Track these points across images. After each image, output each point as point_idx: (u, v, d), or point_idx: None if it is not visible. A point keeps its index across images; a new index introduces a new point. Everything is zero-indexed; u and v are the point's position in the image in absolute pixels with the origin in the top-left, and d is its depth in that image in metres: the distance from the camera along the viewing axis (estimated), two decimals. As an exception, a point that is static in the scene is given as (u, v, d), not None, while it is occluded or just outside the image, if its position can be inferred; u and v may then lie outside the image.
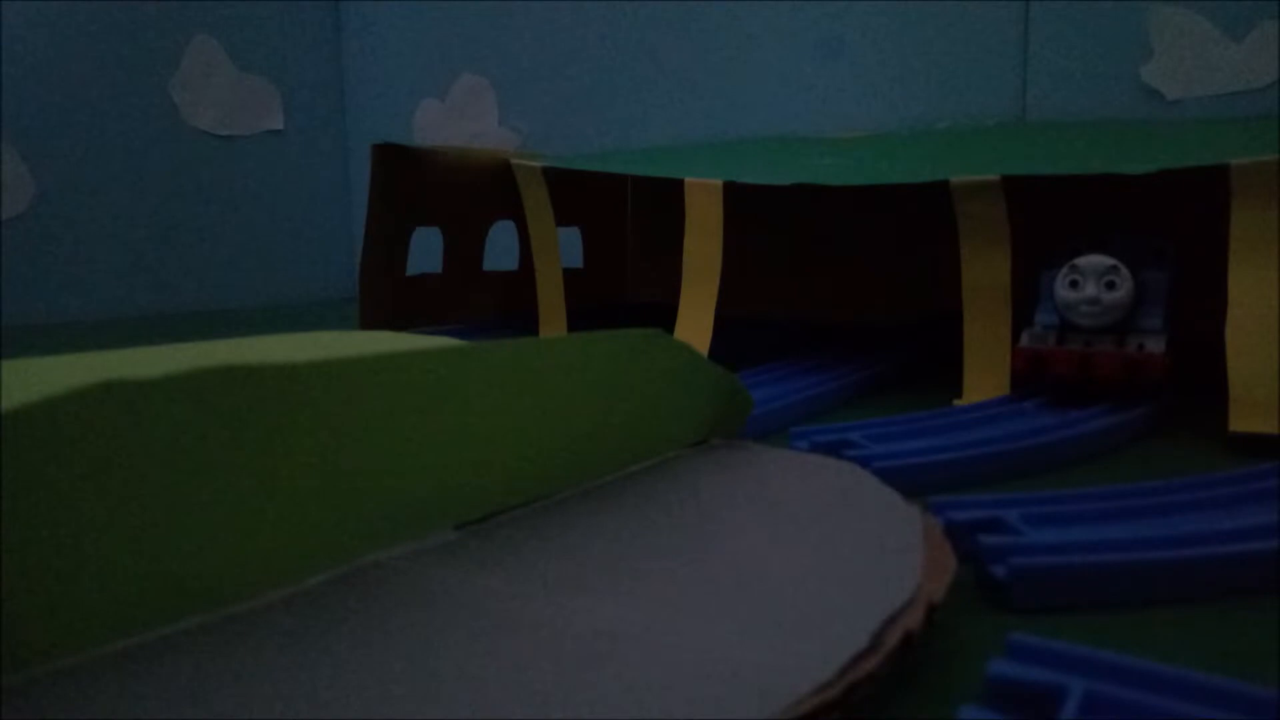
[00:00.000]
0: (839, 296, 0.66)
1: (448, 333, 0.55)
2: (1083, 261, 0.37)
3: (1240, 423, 0.34)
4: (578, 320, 0.56)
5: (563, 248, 0.57)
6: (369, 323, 0.59)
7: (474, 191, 0.63)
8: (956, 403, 0.40)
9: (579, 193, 0.62)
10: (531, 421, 0.21)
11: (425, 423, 0.19)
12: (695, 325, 0.47)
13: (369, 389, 0.17)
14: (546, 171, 0.55)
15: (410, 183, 0.59)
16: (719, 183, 0.48)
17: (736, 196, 0.48)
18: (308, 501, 0.17)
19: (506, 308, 0.69)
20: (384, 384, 0.18)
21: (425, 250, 0.65)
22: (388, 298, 0.60)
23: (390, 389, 0.18)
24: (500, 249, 0.70)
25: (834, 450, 0.32)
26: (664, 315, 0.49)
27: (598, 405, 0.24)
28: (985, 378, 0.41)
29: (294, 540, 0.17)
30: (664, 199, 0.52)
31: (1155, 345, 0.37)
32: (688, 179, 0.48)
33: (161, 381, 0.14)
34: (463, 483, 0.21)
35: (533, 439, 0.22)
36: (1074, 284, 0.37)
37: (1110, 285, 0.37)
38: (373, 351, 0.17)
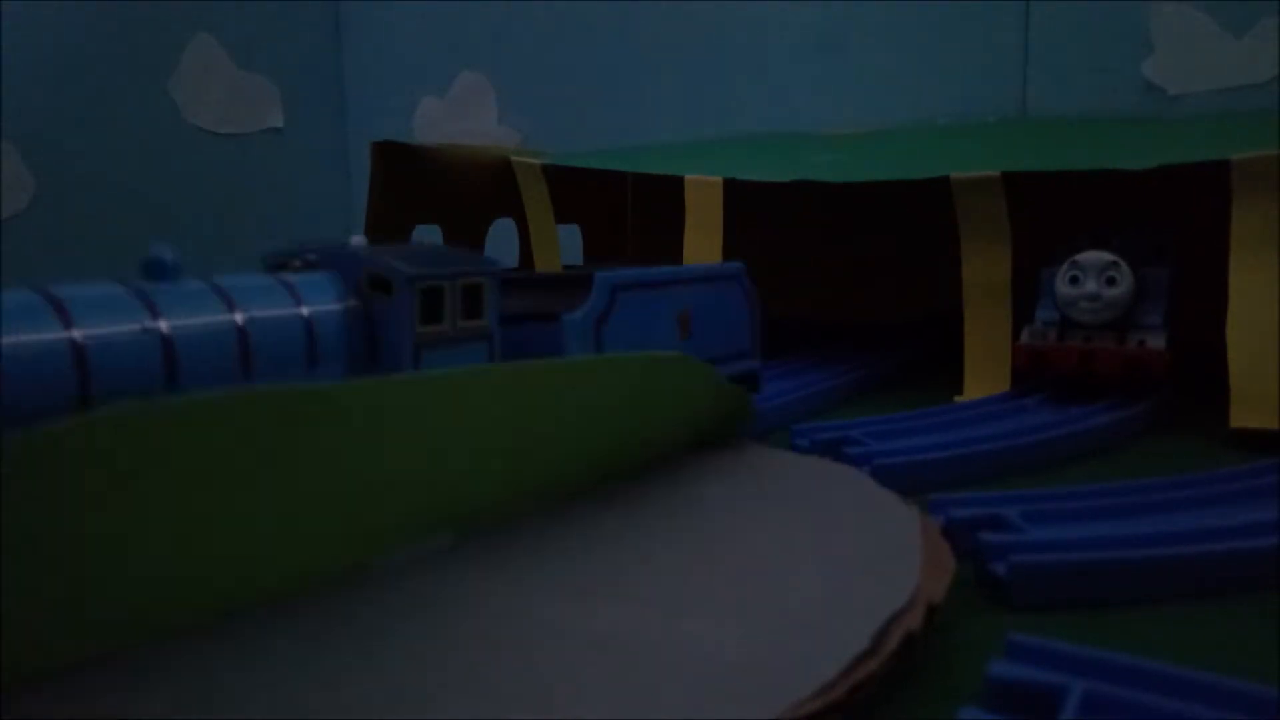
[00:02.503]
0: (839, 294, 0.66)
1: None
2: (1083, 258, 0.37)
3: (1241, 419, 0.34)
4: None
5: (562, 245, 0.57)
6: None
7: (474, 189, 0.63)
8: (957, 399, 0.40)
9: (579, 190, 0.62)
10: (534, 429, 0.21)
11: (430, 433, 0.19)
12: (696, 323, 0.47)
13: (374, 406, 0.17)
14: (546, 169, 0.55)
15: (410, 180, 0.59)
16: (719, 179, 0.48)
17: (737, 193, 0.48)
18: (312, 508, 0.17)
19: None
20: (389, 402, 0.18)
21: (425, 248, 0.65)
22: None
23: (396, 406, 0.18)
24: (500, 246, 0.70)
25: (835, 447, 0.32)
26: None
27: (599, 412, 0.24)
28: (986, 375, 0.41)
29: (298, 545, 0.17)
30: (664, 196, 0.52)
31: (1156, 341, 0.37)
32: (688, 176, 0.48)
33: (170, 407, 0.14)
34: (465, 488, 0.21)
35: (535, 446, 0.22)
36: (1074, 280, 0.37)
37: (1111, 281, 0.37)
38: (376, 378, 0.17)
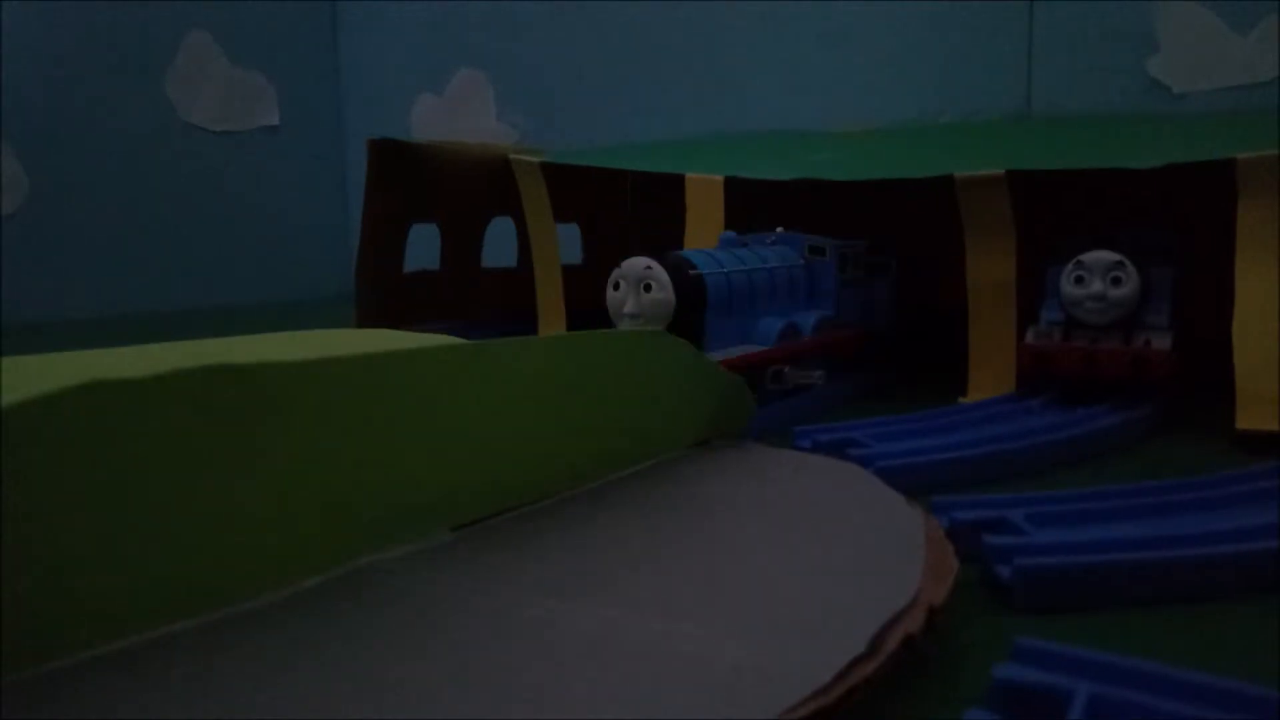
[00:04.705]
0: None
1: (446, 330, 0.55)
2: (1088, 257, 0.37)
3: (1247, 420, 0.34)
4: (577, 318, 0.55)
5: (562, 244, 0.56)
6: (366, 320, 0.59)
7: (472, 187, 0.62)
8: (962, 401, 0.40)
9: (578, 189, 0.61)
10: (530, 422, 0.21)
11: (422, 423, 0.18)
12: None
13: (363, 389, 0.17)
14: (545, 167, 0.55)
15: (407, 179, 0.59)
16: (719, 178, 0.47)
17: (738, 192, 0.48)
18: (304, 503, 0.17)
19: (505, 305, 0.68)
20: (379, 384, 0.17)
21: (423, 247, 0.64)
22: (385, 295, 0.60)
23: (386, 389, 0.18)
24: (499, 246, 0.70)
25: (838, 449, 0.32)
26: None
27: (598, 405, 0.23)
28: (990, 375, 0.41)
29: (291, 541, 0.17)
30: (664, 194, 0.51)
31: (1161, 342, 0.36)
32: (688, 174, 0.48)
33: (149, 381, 0.14)
34: (460, 485, 0.20)
35: (531, 440, 0.22)
36: (1079, 280, 0.37)
37: (1116, 281, 0.37)
38: (367, 350, 0.17)
